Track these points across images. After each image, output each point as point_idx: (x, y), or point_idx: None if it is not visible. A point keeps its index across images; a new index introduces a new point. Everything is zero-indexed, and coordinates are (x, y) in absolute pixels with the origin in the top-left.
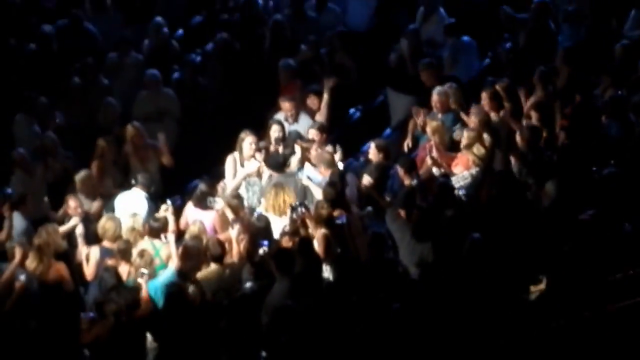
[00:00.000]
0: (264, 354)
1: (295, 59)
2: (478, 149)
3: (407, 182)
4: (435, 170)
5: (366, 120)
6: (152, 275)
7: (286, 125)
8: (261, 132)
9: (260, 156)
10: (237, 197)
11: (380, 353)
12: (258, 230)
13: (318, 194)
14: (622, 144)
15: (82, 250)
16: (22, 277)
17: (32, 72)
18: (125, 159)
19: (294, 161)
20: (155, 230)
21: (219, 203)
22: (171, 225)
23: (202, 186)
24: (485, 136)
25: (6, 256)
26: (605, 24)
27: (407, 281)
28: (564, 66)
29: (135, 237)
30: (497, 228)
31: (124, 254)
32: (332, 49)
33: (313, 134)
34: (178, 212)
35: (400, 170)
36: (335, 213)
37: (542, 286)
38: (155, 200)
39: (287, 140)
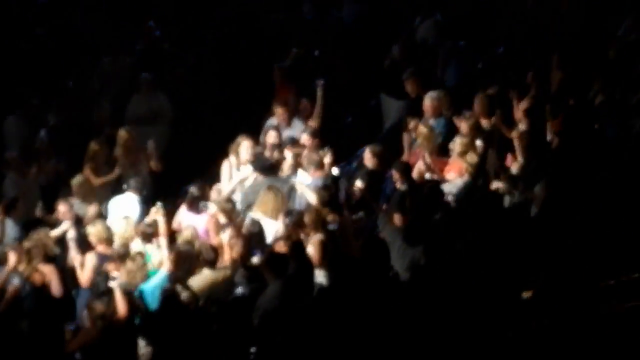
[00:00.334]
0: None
1: (287, 60)
2: (471, 156)
3: (399, 186)
4: (427, 175)
5: (360, 124)
6: (144, 279)
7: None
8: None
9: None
10: (231, 201)
11: (371, 355)
12: (252, 235)
13: (311, 197)
14: (619, 146)
15: (74, 254)
16: (16, 281)
17: (24, 73)
18: (115, 161)
19: (286, 166)
20: (147, 234)
21: (211, 207)
22: (162, 229)
23: (194, 190)
24: (478, 143)
25: None
26: (598, 27)
27: (398, 284)
28: (557, 71)
29: (128, 241)
30: (486, 233)
31: (124, 258)
32: (325, 51)
33: (305, 139)
34: (170, 215)
35: (395, 174)
36: (329, 217)
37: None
38: (146, 204)
39: (282, 145)
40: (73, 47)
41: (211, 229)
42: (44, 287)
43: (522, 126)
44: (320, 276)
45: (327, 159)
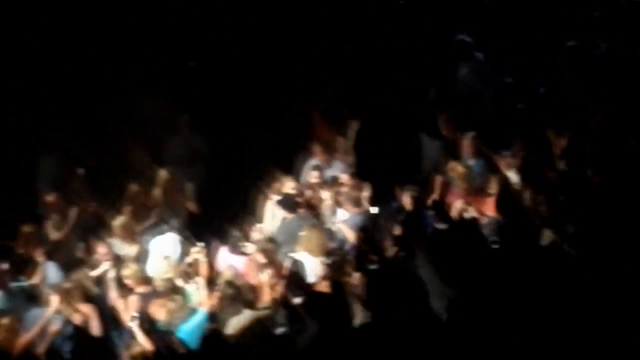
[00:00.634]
0: None
1: (324, 100)
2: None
3: (438, 226)
4: (466, 215)
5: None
6: (184, 319)
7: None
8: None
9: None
10: (272, 240)
11: None
12: (293, 275)
13: (349, 235)
14: None
15: (114, 295)
16: (57, 322)
17: (61, 111)
18: (154, 202)
19: (325, 205)
20: (188, 273)
21: (249, 247)
22: (203, 269)
23: (234, 231)
24: (515, 180)
25: (38, 300)
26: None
27: (438, 324)
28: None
29: (169, 281)
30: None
31: (168, 293)
32: (360, 95)
33: (345, 178)
34: (210, 256)
35: (430, 215)
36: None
37: None
38: (185, 244)
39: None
40: (110, 87)
41: (251, 269)
42: (84, 327)
43: (561, 165)
44: (359, 317)
45: (365, 194)
